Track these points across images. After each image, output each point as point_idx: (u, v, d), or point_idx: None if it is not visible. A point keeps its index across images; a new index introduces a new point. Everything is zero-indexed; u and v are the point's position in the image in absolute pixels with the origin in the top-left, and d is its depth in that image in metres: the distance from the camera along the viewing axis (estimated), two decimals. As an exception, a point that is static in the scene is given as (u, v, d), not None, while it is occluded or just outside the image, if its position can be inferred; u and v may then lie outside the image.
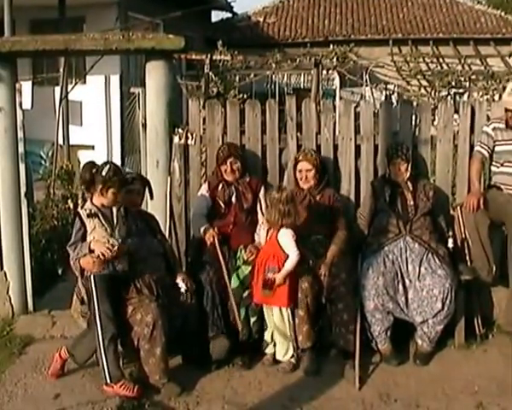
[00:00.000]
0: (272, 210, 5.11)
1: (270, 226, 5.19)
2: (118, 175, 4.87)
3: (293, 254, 5.06)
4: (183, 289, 5.16)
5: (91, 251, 4.77)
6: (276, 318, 5.17)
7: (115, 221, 4.92)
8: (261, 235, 5.57)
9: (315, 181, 5.73)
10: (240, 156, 5.86)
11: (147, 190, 5.41)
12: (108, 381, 4.75)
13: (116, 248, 4.77)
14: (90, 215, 4.84)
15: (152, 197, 5.50)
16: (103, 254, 4.72)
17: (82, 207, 4.97)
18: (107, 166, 4.89)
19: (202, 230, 5.51)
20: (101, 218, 4.85)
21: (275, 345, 5.30)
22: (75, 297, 5.23)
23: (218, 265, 5.33)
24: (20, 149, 5.99)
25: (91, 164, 4.96)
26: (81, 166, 5.06)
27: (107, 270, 4.84)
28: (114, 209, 4.94)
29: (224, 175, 5.79)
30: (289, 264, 5.05)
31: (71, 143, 13.66)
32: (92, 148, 14.04)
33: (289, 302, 5.11)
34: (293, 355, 5.22)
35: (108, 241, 4.76)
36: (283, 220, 5.08)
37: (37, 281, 6.24)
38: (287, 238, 5.09)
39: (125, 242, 4.92)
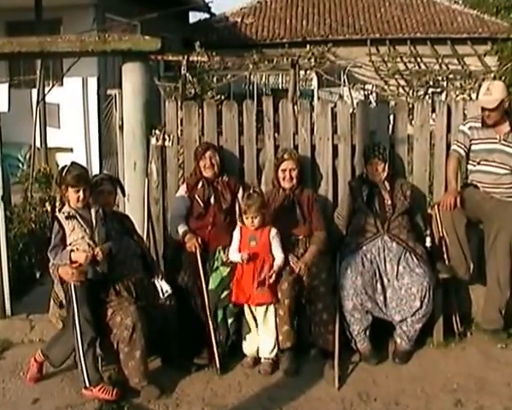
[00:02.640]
0: (259, 212, 5.26)
1: (258, 228, 5.31)
2: (70, 174, 4.83)
3: (282, 254, 5.26)
4: (166, 290, 5.15)
5: (72, 261, 4.75)
6: (262, 315, 5.20)
7: (94, 223, 4.90)
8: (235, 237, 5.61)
9: (297, 181, 5.73)
10: (218, 151, 5.87)
11: (119, 189, 5.41)
12: (87, 384, 4.73)
13: (100, 254, 4.78)
14: (68, 217, 4.82)
15: (124, 195, 5.50)
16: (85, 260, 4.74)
17: (60, 211, 4.94)
18: (66, 166, 4.90)
19: (181, 232, 5.53)
20: (79, 219, 4.83)
21: (254, 347, 5.30)
22: (52, 302, 5.20)
23: (199, 282, 5.34)
24: (-3, 152, 5.95)
25: (61, 167, 4.96)
26: (59, 168, 5.03)
27: (89, 273, 4.81)
28: (93, 211, 4.92)
29: (203, 171, 5.77)
30: (279, 261, 5.24)
31: (48, 145, 13.58)
32: (70, 150, 13.94)
33: (277, 298, 5.21)
34: (276, 353, 5.24)
35: (89, 246, 4.77)
36: (268, 218, 5.36)
37: (14, 285, 6.18)
38: (278, 238, 5.30)
39: (105, 244, 4.91)
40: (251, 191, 5.41)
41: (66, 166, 4.92)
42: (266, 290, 5.11)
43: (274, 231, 5.29)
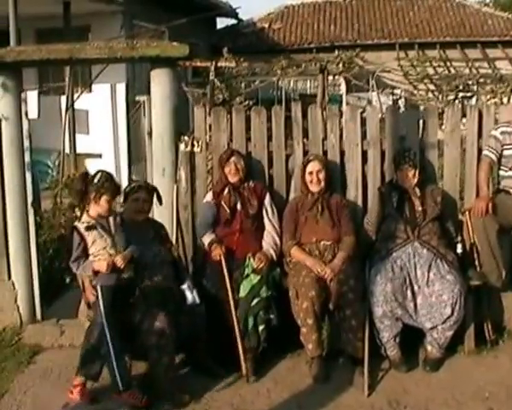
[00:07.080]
0: None
1: None
2: (109, 182, 4.84)
3: None
4: (193, 301, 5.16)
5: (94, 272, 4.78)
6: None
7: (113, 231, 4.91)
8: (268, 241, 5.58)
9: (325, 184, 5.69)
10: (243, 157, 5.86)
11: (155, 197, 5.41)
12: (121, 388, 4.71)
13: (120, 260, 4.78)
14: (88, 228, 4.80)
15: (161, 203, 5.49)
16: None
17: (79, 221, 4.92)
18: (99, 173, 4.88)
19: (207, 243, 5.54)
20: (99, 229, 4.83)
21: None
22: (83, 301, 5.22)
23: (225, 290, 5.29)
24: (27, 159, 6.01)
25: (83, 175, 4.98)
26: (88, 177, 5.02)
27: (113, 280, 4.82)
28: (111, 219, 4.92)
29: (228, 177, 5.75)
30: None
31: (77, 151, 13.72)
32: (99, 156, 14.07)
33: None
34: None
35: (111, 256, 4.79)
36: None
37: (45, 290, 6.25)
38: None
39: (127, 249, 4.92)
40: None
41: (98, 172, 4.91)
42: None
43: None
